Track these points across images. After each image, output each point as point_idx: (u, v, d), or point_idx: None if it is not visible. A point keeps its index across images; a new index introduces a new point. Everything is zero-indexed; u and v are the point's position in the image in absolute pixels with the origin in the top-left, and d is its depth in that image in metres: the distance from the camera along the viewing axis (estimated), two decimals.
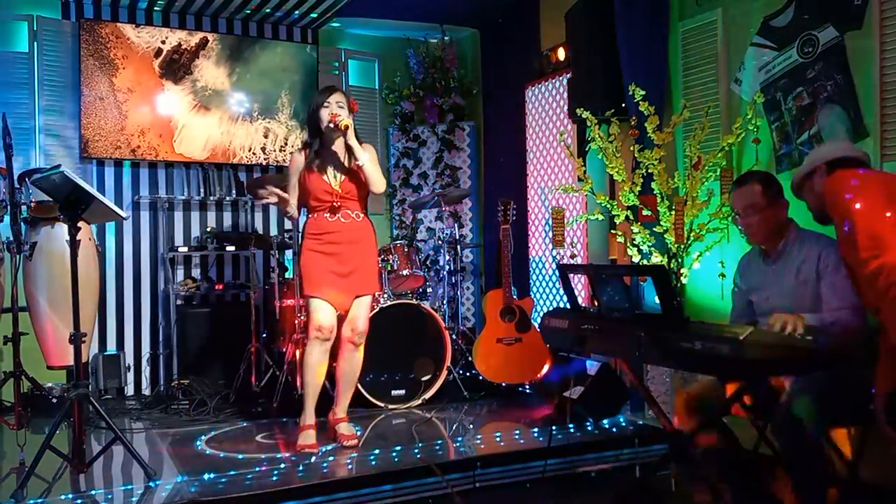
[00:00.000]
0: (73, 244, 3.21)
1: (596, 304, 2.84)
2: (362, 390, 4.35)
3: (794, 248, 2.88)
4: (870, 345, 2.61)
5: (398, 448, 3.57)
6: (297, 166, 3.64)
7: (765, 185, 2.90)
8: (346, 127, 3.50)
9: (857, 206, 2.37)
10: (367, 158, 3.58)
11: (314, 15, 5.63)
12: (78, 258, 3.24)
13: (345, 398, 3.74)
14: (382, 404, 4.43)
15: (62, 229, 4.12)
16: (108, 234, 5.31)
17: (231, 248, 5.41)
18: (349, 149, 3.58)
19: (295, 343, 4.51)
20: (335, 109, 3.56)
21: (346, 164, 3.63)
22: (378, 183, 3.63)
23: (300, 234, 3.66)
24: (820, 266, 2.78)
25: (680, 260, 3.95)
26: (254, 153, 5.66)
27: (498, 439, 3.79)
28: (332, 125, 3.56)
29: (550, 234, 5.04)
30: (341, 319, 3.68)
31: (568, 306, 3.00)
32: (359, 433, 3.86)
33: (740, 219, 2.96)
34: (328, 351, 3.61)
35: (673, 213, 3.91)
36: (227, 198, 5.59)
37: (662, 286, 2.50)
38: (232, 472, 3.24)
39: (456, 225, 6.11)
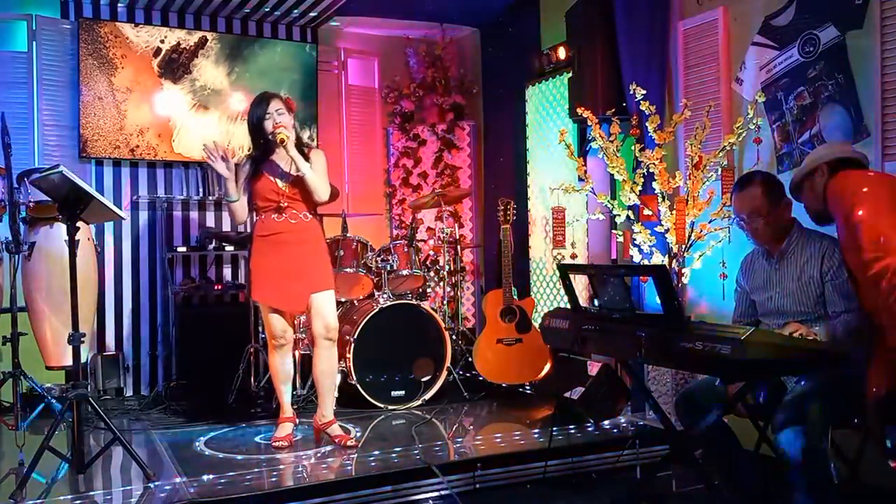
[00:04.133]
0: (72, 244, 3.20)
1: (596, 304, 2.83)
2: (362, 391, 4.35)
3: (798, 247, 2.87)
4: (871, 345, 2.61)
5: (398, 449, 3.56)
6: (247, 173, 3.66)
7: (767, 189, 2.88)
8: (283, 141, 3.53)
9: (861, 208, 2.36)
10: (308, 168, 3.60)
11: (314, 14, 5.62)
12: (77, 258, 3.23)
13: (329, 399, 3.73)
14: (382, 405, 4.41)
15: (61, 229, 4.11)
16: (106, 234, 5.30)
17: (230, 249, 5.40)
18: (291, 158, 3.60)
19: (294, 344, 4.49)
20: (277, 118, 3.59)
21: (290, 169, 3.64)
22: (320, 191, 3.66)
23: (250, 235, 3.71)
24: (824, 267, 2.77)
25: (681, 260, 3.94)
26: None
27: (498, 440, 3.79)
28: (270, 137, 3.60)
29: (550, 234, 5.03)
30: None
31: (568, 306, 2.99)
32: (358, 434, 3.86)
33: (745, 224, 2.95)
34: (290, 350, 3.76)
35: (674, 212, 3.90)
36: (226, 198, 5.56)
37: (663, 286, 2.49)
38: (231, 473, 3.24)
39: (456, 225, 6.09)
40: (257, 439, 3.87)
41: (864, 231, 2.31)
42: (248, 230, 5.58)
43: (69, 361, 3.54)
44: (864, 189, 2.45)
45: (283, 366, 3.73)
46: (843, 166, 2.64)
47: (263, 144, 3.66)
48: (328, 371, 3.71)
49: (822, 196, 2.64)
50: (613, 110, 4.23)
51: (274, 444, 3.64)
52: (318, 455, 3.53)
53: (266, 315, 3.67)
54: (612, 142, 4.06)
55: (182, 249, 5.38)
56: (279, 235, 3.63)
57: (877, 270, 2.25)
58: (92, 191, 3.20)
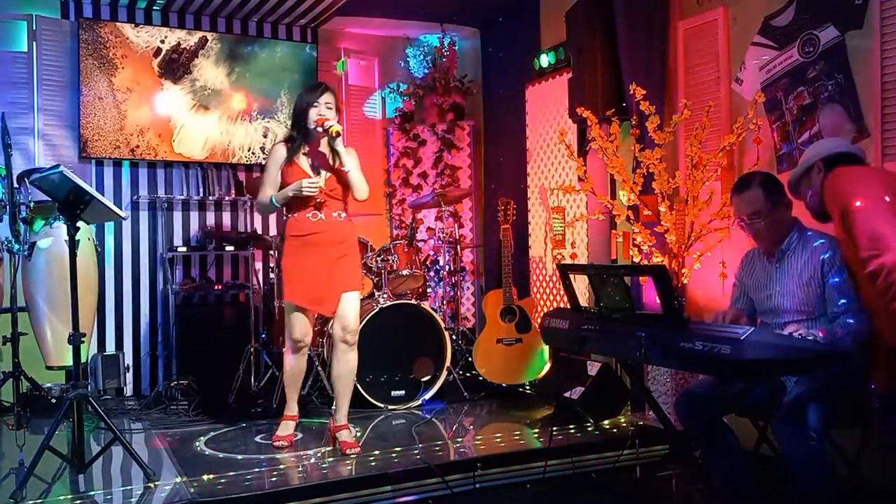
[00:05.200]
0: (72, 244, 3.21)
1: (596, 304, 2.83)
2: (362, 391, 4.35)
3: (798, 247, 2.86)
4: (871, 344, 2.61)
5: (398, 449, 3.57)
6: (277, 159, 3.57)
7: (767, 189, 2.87)
8: (338, 134, 3.45)
9: (858, 203, 2.35)
10: (354, 165, 3.54)
11: (314, 14, 5.63)
12: (77, 258, 3.23)
13: (344, 402, 3.66)
14: (382, 405, 4.42)
15: (61, 229, 4.11)
16: (107, 234, 5.30)
17: (230, 249, 5.40)
18: (336, 152, 3.53)
19: None
20: (323, 110, 3.52)
21: (330, 162, 3.57)
22: (362, 190, 3.58)
23: (281, 234, 3.60)
24: (825, 267, 2.76)
25: (681, 260, 3.94)
26: (253, 153, 5.65)
27: (498, 440, 3.79)
28: (320, 129, 3.51)
29: (550, 234, 5.03)
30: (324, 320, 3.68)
31: (568, 306, 2.99)
32: (358, 434, 3.85)
33: (746, 226, 2.94)
34: (306, 353, 3.74)
35: (674, 212, 3.91)
36: (227, 198, 5.58)
37: (663, 286, 2.49)
38: (231, 473, 3.24)
39: (456, 225, 6.10)
40: (257, 439, 3.86)
41: (860, 228, 2.30)
42: (252, 228, 5.60)
43: (69, 361, 3.55)
44: (860, 185, 2.44)
45: (297, 367, 3.68)
46: (839, 162, 2.63)
47: (302, 133, 3.56)
48: (343, 374, 3.63)
49: (820, 193, 2.63)
50: (613, 110, 4.23)
51: (275, 443, 3.63)
52: (318, 455, 3.53)
53: (290, 316, 3.58)
54: (611, 142, 4.06)
55: (182, 249, 5.38)
56: (315, 235, 3.54)
57: (873, 268, 2.24)
58: (92, 191, 3.20)
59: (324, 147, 3.60)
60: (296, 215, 3.57)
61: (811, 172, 2.71)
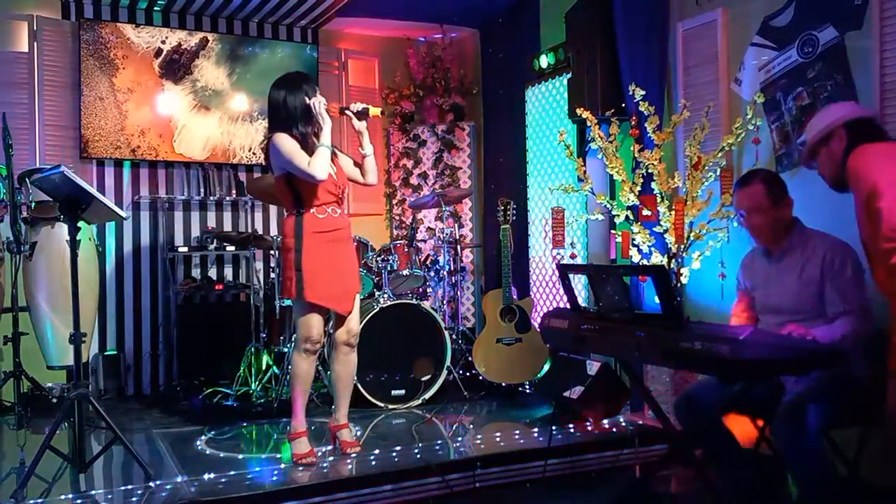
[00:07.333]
0: (73, 244, 3.21)
1: (596, 304, 2.84)
2: (362, 390, 4.35)
3: (798, 246, 2.86)
4: (870, 344, 2.62)
5: (398, 448, 3.57)
6: (296, 145, 3.30)
7: (768, 185, 2.87)
8: (382, 112, 3.36)
9: (882, 193, 2.30)
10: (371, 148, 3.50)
11: (314, 15, 5.63)
12: (78, 258, 3.24)
13: (344, 402, 3.62)
14: (382, 404, 4.42)
15: (62, 229, 4.12)
16: (108, 234, 5.31)
17: (231, 249, 5.41)
18: (358, 136, 3.46)
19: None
20: (320, 97, 3.41)
21: (336, 159, 3.48)
22: (375, 173, 3.56)
23: (297, 232, 3.35)
24: (825, 267, 2.75)
25: (680, 260, 3.95)
26: (254, 153, 5.66)
27: (498, 439, 3.79)
28: (349, 113, 3.43)
29: (550, 234, 5.04)
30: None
31: (568, 306, 3.00)
32: (359, 433, 3.85)
33: (745, 220, 2.94)
34: (316, 359, 3.53)
35: (673, 213, 3.91)
36: (227, 198, 5.59)
37: (662, 286, 2.49)
38: (232, 473, 3.25)
39: (456, 225, 6.10)
40: (258, 439, 3.87)
41: (885, 219, 2.26)
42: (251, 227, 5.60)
43: (70, 361, 3.55)
44: (886, 170, 2.37)
45: (310, 373, 3.47)
46: (860, 128, 2.56)
47: (311, 127, 3.37)
48: (344, 375, 3.59)
49: (842, 161, 2.56)
50: (613, 111, 4.23)
51: (302, 461, 3.35)
52: (318, 455, 3.53)
53: (307, 317, 3.37)
54: (611, 142, 4.07)
55: (183, 249, 5.39)
56: (339, 232, 3.42)
57: (894, 261, 2.23)
58: (93, 191, 3.20)
59: (317, 139, 3.44)
60: (314, 211, 3.36)
61: (831, 140, 2.63)
